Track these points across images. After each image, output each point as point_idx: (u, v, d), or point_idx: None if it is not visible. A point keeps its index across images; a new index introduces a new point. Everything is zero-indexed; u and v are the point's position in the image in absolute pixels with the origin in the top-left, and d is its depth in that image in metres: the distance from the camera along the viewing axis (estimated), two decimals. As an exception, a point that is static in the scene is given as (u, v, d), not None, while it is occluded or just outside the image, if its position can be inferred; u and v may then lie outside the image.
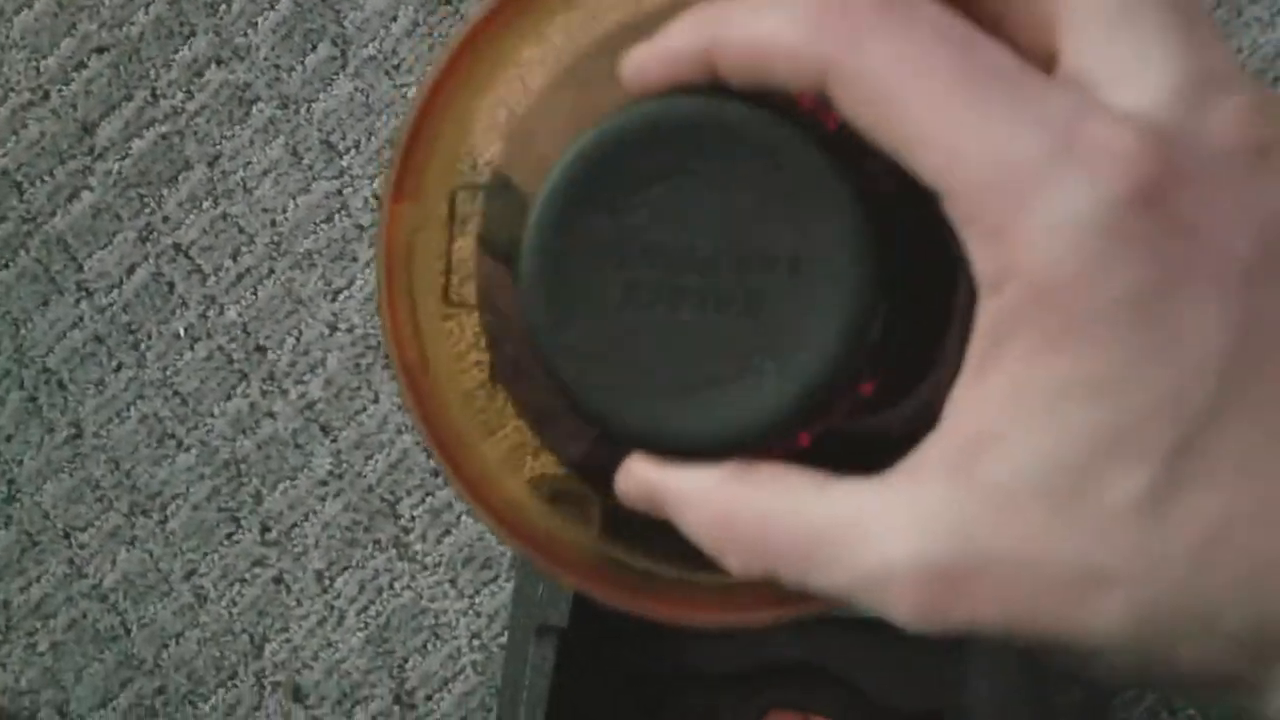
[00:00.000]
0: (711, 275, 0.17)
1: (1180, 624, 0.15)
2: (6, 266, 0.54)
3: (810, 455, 0.18)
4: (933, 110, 0.15)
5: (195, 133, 0.53)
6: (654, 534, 0.19)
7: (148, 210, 0.53)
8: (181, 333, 0.52)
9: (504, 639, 0.48)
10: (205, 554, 0.51)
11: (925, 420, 0.17)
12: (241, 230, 0.52)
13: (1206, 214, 0.15)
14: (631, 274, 0.18)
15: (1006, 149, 0.15)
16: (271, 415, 0.51)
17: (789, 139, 0.17)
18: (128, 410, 0.52)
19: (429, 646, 0.49)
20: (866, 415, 0.19)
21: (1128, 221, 0.15)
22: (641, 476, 0.19)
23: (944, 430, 0.17)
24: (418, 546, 0.49)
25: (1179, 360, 0.15)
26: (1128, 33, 0.15)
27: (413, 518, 0.49)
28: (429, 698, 0.49)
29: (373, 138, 0.51)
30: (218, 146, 0.53)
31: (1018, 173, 0.15)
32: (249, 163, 0.52)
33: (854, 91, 0.16)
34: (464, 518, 0.49)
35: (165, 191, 0.53)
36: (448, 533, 0.49)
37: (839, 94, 0.16)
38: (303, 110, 0.52)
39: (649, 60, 0.18)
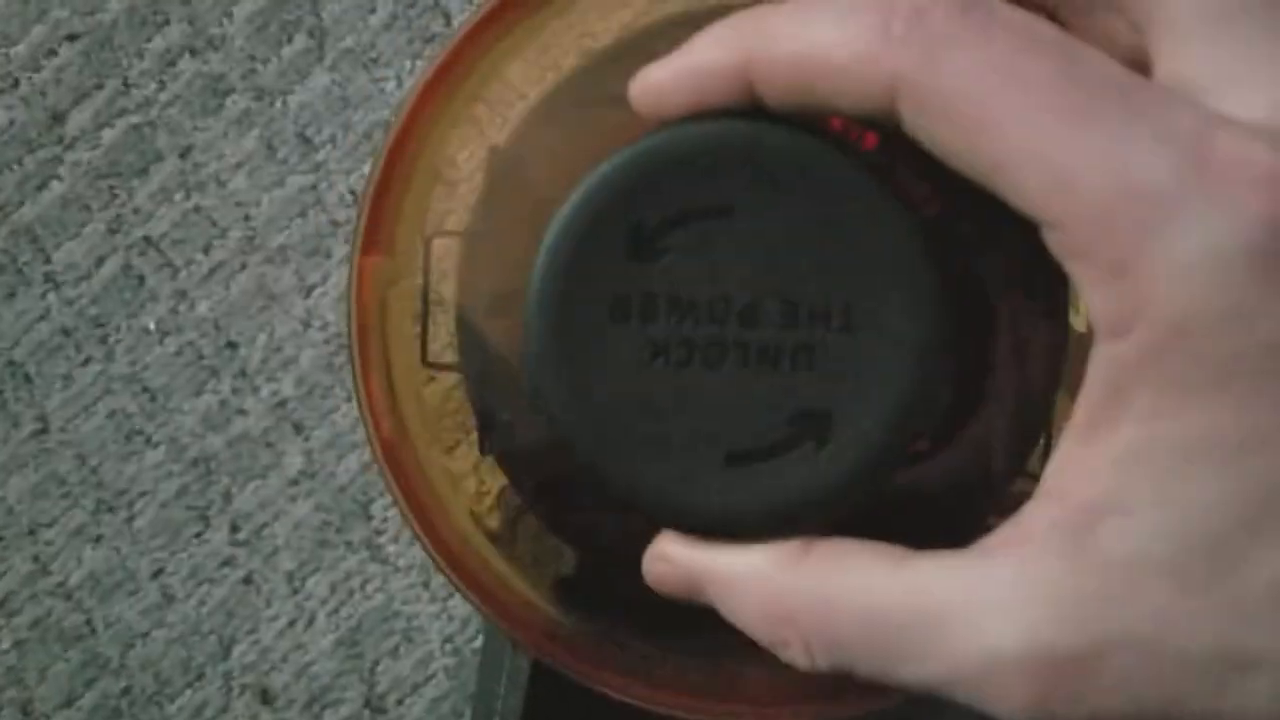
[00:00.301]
0: (752, 327, 0.15)
1: None
2: (-28, 256, 0.53)
3: (844, 523, 0.16)
4: (1034, 128, 0.13)
5: (167, 124, 0.52)
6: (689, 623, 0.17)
7: (118, 202, 0.52)
8: (151, 327, 0.51)
9: (477, 644, 0.48)
10: (173, 553, 0.50)
11: (968, 471, 0.15)
12: (214, 224, 0.51)
13: None
14: (658, 329, 0.15)
15: (1128, 171, 0.13)
16: (242, 413, 0.50)
17: (841, 169, 0.15)
18: (95, 405, 0.51)
19: (401, 650, 0.48)
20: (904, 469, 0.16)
21: (1278, 252, 0.12)
22: (678, 559, 0.16)
23: (1050, 497, 0.14)
24: (390, 549, 0.49)
25: None
26: (1232, 35, 0.13)
27: (385, 519, 0.49)
28: (400, 702, 0.48)
29: (349, 132, 0.51)
30: (190, 138, 0.52)
31: (1143, 198, 0.13)
32: (222, 155, 0.51)
33: (932, 111, 0.13)
34: (437, 520, 0.48)
35: (136, 183, 0.52)
36: (421, 535, 0.49)
37: (912, 115, 0.13)
38: (278, 103, 0.51)
39: (667, 80, 0.15)
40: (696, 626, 0.17)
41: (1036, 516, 0.15)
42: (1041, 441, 0.17)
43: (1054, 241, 0.14)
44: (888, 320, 0.14)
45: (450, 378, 0.19)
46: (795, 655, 0.15)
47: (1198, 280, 0.12)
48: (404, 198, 0.19)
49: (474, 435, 0.19)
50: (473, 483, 0.20)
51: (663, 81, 0.15)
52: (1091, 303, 0.14)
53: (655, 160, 0.15)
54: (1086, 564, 0.14)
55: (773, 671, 0.17)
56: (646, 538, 0.17)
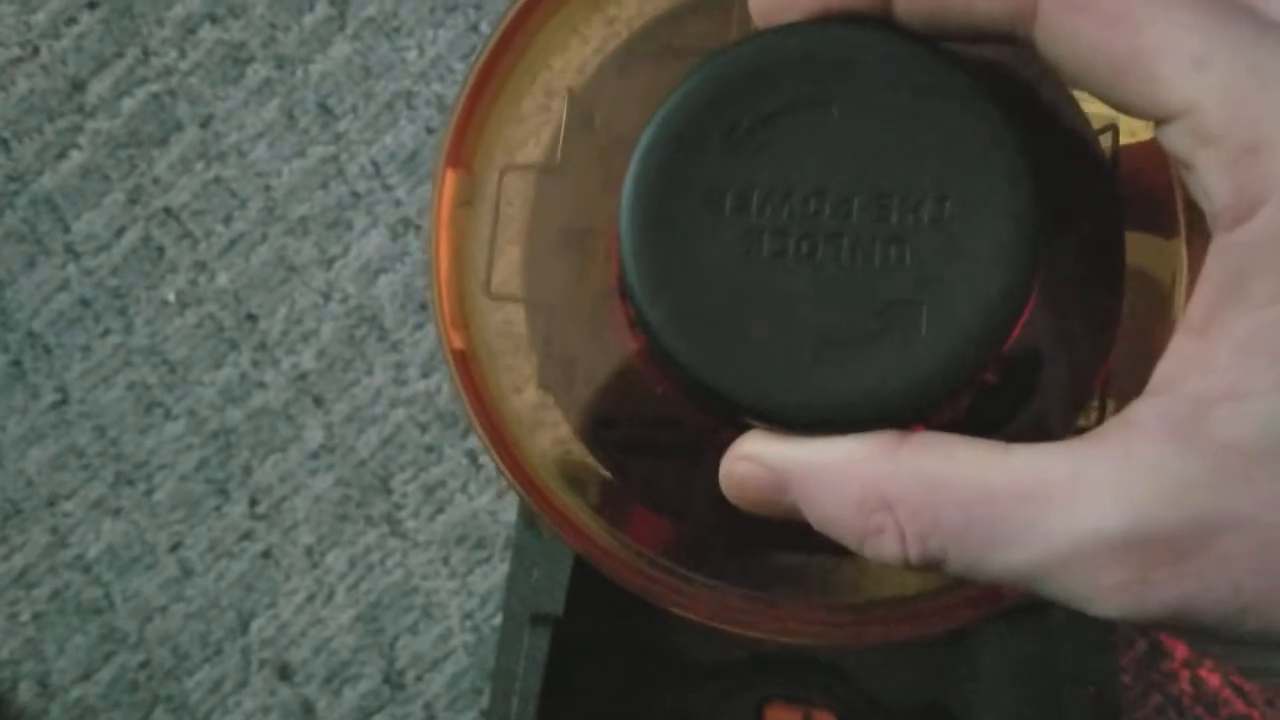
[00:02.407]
0: (845, 219, 0.15)
1: None
2: (-8, 226, 0.53)
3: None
4: (1172, 19, 0.13)
5: (188, 92, 0.52)
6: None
7: (138, 171, 0.52)
8: (171, 298, 0.51)
9: (497, 621, 0.47)
10: (192, 526, 0.50)
11: (1024, 428, 0.15)
12: (234, 194, 0.51)
13: None
14: (751, 220, 0.15)
15: (1266, 55, 0.13)
16: (262, 385, 0.50)
17: (936, 68, 0.15)
18: (114, 377, 0.51)
19: (420, 626, 0.48)
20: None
21: None
22: (764, 455, 0.16)
23: (1159, 392, 0.14)
24: (410, 524, 0.48)
25: None
26: None
27: (405, 494, 0.48)
28: (419, 678, 0.48)
29: (371, 101, 0.50)
30: (210, 107, 0.51)
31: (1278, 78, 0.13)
32: (242, 125, 0.51)
33: (1074, 5, 0.14)
34: (457, 495, 0.48)
35: (156, 153, 0.52)
36: (441, 510, 0.48)
37: (1054, 10, 0.14)
38: (299, 72, 0.51)
39: (767, 8, 0.15)
40: (737, 563, 0.18)
41: (1146, 408, 0.14)
42: (1096, 402, 0.17)
43: (1180, 133, 0.14)
44: (980, 217, 0.15)
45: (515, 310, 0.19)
46: (888, 543, 0.15)
47: None
48: (485, 124, 0.19)
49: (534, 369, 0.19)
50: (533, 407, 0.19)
51: None
52: (1215, 191, 0.14)
53: (754, 58, 0.15)
54: (1197, 448, 0.14)
55: (807, 603, 0.18)
56: (701, 477, 0.17)
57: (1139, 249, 0.16)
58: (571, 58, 0.19)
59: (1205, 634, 0.14)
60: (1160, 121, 0.14)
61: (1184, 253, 0.16)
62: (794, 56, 0.15)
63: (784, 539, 0.17)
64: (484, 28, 0.49)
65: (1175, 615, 0.14)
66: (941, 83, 0.15)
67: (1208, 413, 0.14)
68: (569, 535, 0.19)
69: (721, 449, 0.17)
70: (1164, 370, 0.14)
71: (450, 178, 0.19)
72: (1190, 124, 0.14)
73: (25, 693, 0.51)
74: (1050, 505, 0.14)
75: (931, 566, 0.15)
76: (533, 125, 0.19)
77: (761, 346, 0.15)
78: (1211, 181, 0.14)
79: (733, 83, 0.15)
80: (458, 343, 0.19)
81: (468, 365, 0.19)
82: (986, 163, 0.15)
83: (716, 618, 0.19)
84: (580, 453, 0.19)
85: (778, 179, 0.15)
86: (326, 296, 0.49)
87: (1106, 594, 0.14)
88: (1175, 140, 0.14)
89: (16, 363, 0.52)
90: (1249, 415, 0.13)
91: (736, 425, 0.17)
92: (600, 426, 0.19)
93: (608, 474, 0.19)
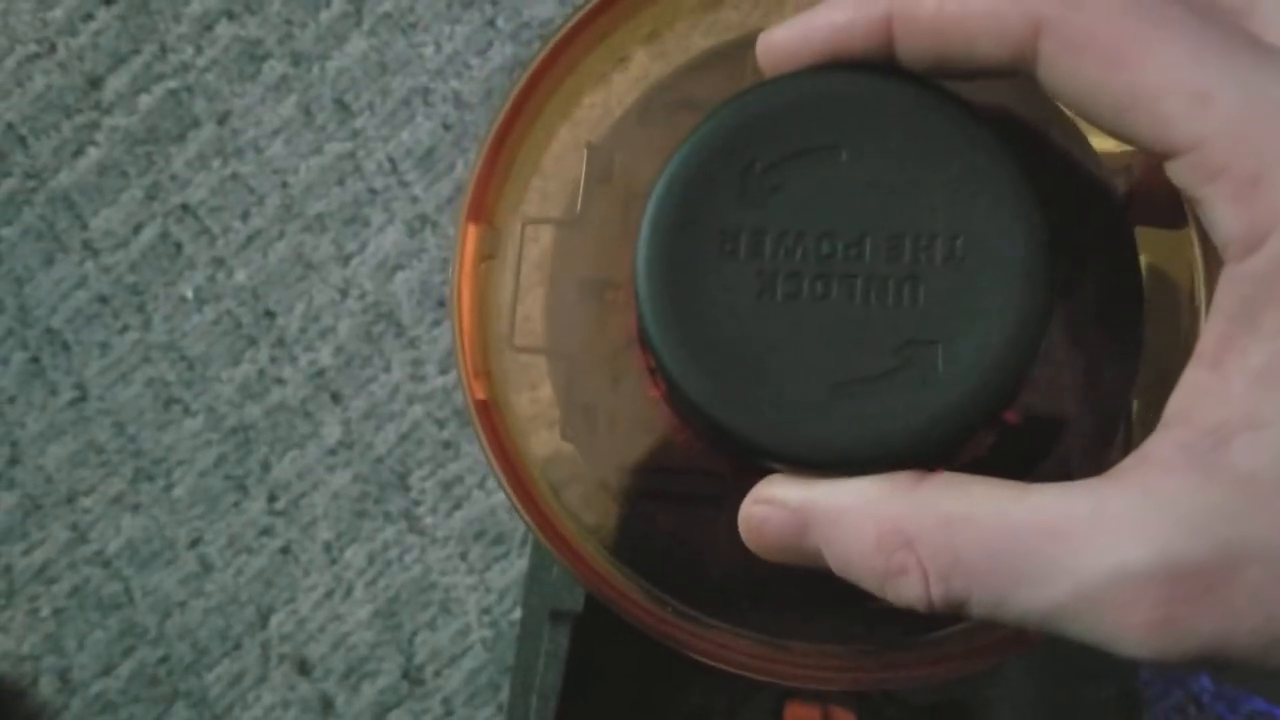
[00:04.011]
0: (858, 260, 0.15)
1: None
2: (10, 223, 0.53)
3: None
4: (1172, 57, 0.13)
5: (205, 89, 0.52)
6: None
7: (155, 168, 0.52)
8: (189, 295, 0.51)
9: (515, 616, 0.47)
10: (211, 522, 0.50)
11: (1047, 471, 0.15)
12: (251, 191, 0.51)
13: None
14: (765, 264, 0.15)
15: (1265, 90, 0.13)
16: (280, 382, 0.50)
17: (944, 110, 0.15)
18: (133, 373, 0.51)
19: (438, 621, 0.48)
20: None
21: None
22: (784, 497, 0.16)
23: (1175, 424, 0.14)
24: (428, 520, 0.48)
25: None
26: None
27: (423, 490, 0.48)
28: (438, 673, 0.48)
29: (387, 98, 0.50)
30: (227, 104, 0.51)
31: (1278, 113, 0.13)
32: (259, 121, 0.51)
33: (1075, 47, 0.14)
34: (475, 492, 0.48)
35: (173, 149, 0.52)
36: (459, 506, 0.48)
37: (1054, 53, 0.14)
38: (315, 68, 0.51)
39: (796, 37, 0.16)
40: (748, 609, 0.18)
41: (1163, 442, 0.14)
42: (1120, 438, 0.17)
43: (1186, 168, 0.14)
44: (992, 253, 0.15)
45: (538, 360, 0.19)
46: (911, 584, 0.15)
47: None
48: (506, 177, 0.19)
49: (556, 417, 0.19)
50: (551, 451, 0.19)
51: (788, 38, 0.16)
52: (1224, 223, 0.14)
53: (763, 106, 0.15)
54: (1218, 479, 0.14)
55: (816, 646, 0.18)
56: (724, 525, 0.17)
57: (1158, 281, 0.16)
58: (591, 111, 0.20)
59: (1239, 667, 0.14)
60: (1167, 156, 0.14)
61: (1202, 285, 0.16)
62: (801, 103, 0.15)
63: (804, 591, 0.17)
64: (500, 23, 0.49)
65: (1208, 650, 0.14)
66: (947, 125, 0.15)
67: (1226, 443, 0.14)
68: (586, 578, 0.19)
69: (743, 496, 0.17)
70: (1179, 402, 0.15)
71: (472, 232, 0.19)
72: (1196, 159, 0.14)
73: (46, 687, 0.51)
74: (1072, 543, 0.14)
75: (955, 608, 0.15)
76: (553, 178, 0.19)
77: (778, 389, 0.15)
78: (1219, 214, 0.14)
79: (743, 130, 0.16)
80: (480, 393, 0.19)
81: (490, 415, 0.19)
82: (995, 201, 0.15)
83: (737, 664, 0.18)
84: (602, 500, 0.19)
85: (790, 222, 0.15)
86: (344, 293, 0.49)
87: (1135, 632, 0.14)
88: (1182, 175, 0.14)
89: (35, 359, 0.52)
90: (1267, 444, 0.14)
91: (757, 471, 0.17)
92: (622, 474, 0.18)
93: (629, 521, 0.19)
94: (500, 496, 0.48)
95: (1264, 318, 0.14)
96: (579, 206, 0.19)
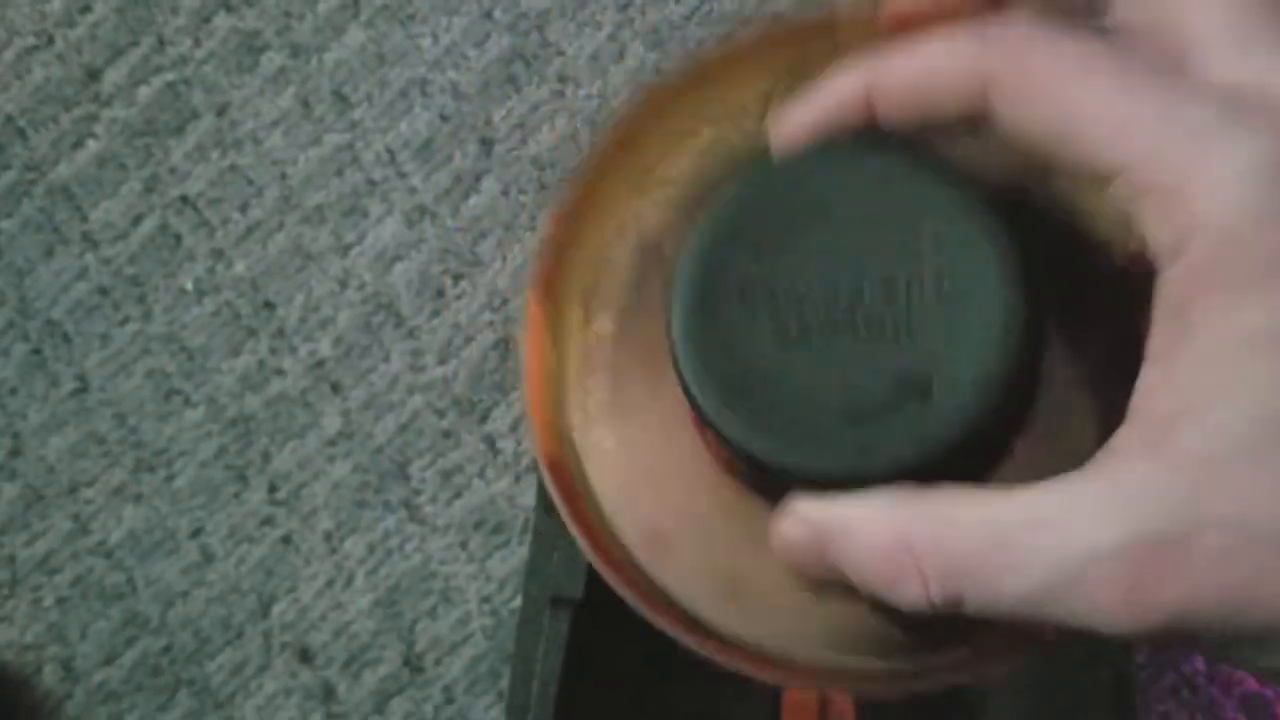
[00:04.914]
0: (859, 304, 0.17)
1: None
2: (10, 215, 0.53)
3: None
4: (1101, 97, 0.16)
5: (203, 81, 0.52)
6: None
7: (154, 160, 0.52)
8: (188, 287, 0.51)
9: (515, 604, 0.48)
10: (212, 512, 0.50)
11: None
12: (250, 182, 0.51)
13: None
14: (780, 313, 0.18)
15: (1180, 115, 0.16)
16: (280, 373, 0.50)
17: (923, 171, 0.17)
18: (133, 365, 0.52)
19: (439, 610, 0.48)
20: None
21: None
22: (807, 512, 0.18)
23: (1133, 418, 0.16)
24: (428, 509, 0.49)
25: None
26: (1261, 39, 0.16)
27: (423, 480, 0.49)
28: (438, 662, 0.48)
29: (385, 89, 0.50)
30: (226, 95, 0.52)
31: (1192, 133, 0.15)
32: (258, 113, 0.51)
33: (1020, 97, 0.17)
34: (475, 480, 0.48)
35: (172, 141, 0.52)
36: (459, 495, 0.48)
37: (1003, 103, 0.17)
38: (313, 60, 0.51)
39: (803, 114, 0.18)
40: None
41: (1124, 436, 0.17)
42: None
43: (1121, 189, 0.16)
44: (976, 288, 0.17)
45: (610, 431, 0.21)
46: (912, 586, 0.17)
47: (1240, 191, 0.15)
48: (572, 261, 0.21)
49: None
50: None
51: (797, 116, 0.19)
52: (1155, 233, 0.16)
53: (770, 179, 0.19)
54: (1171, 463, 0.16)
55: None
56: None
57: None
58: (648, 201, 0.21)
59: (1207, 636, 0.16)
60: (1105, 182, 0.17)
61: None
62: (798, 176, 0.18)
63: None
64: (497, 14, 0.49)
65: (1175, 619, 0.16)
66: (924, 181, 0.18)
67: (1176, 431, 0.16)
68: (654, 612, 0.21)
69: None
70: (1137, 400, 0.17)
71: (537, 313, 0.21)
72: (1126, 180, 0.16)
73: (49, 677, 0.52)
74: (1049, 533, 0.16)
75: (953, 606, 0.17)
76: (612, 260, 0.22)
77: (797, 419, 0.18)
78: (1149, 228, 0.16)
79: (753, 203, 0.18)
80: (551, 457, 0.21)
81: (563, 475, 0.21)
82: (973, 240, 0.17)
83: (786, 679, 0.21)
84: (662, 544, 0.21)
85: (798, 276, 0.18)
86: (343, 284, 0.50)
87: (1110, 606, 0.16)
88: (1118, 197, 0.16)
89: (36, 351, 0.52)
90: (1208, 427, 0.16)
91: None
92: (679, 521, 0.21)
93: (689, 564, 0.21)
94: (501, 485, 0.48)
95: (1193, 316, 0.16)
96: (636, 284, 0.21)
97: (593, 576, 0.35)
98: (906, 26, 0.18)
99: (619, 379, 0.21)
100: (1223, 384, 0.15)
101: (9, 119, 0.54)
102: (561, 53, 0.49)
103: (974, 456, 0.17)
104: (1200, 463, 0.16)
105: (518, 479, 0.48)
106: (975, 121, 0.17)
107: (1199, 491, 0.15)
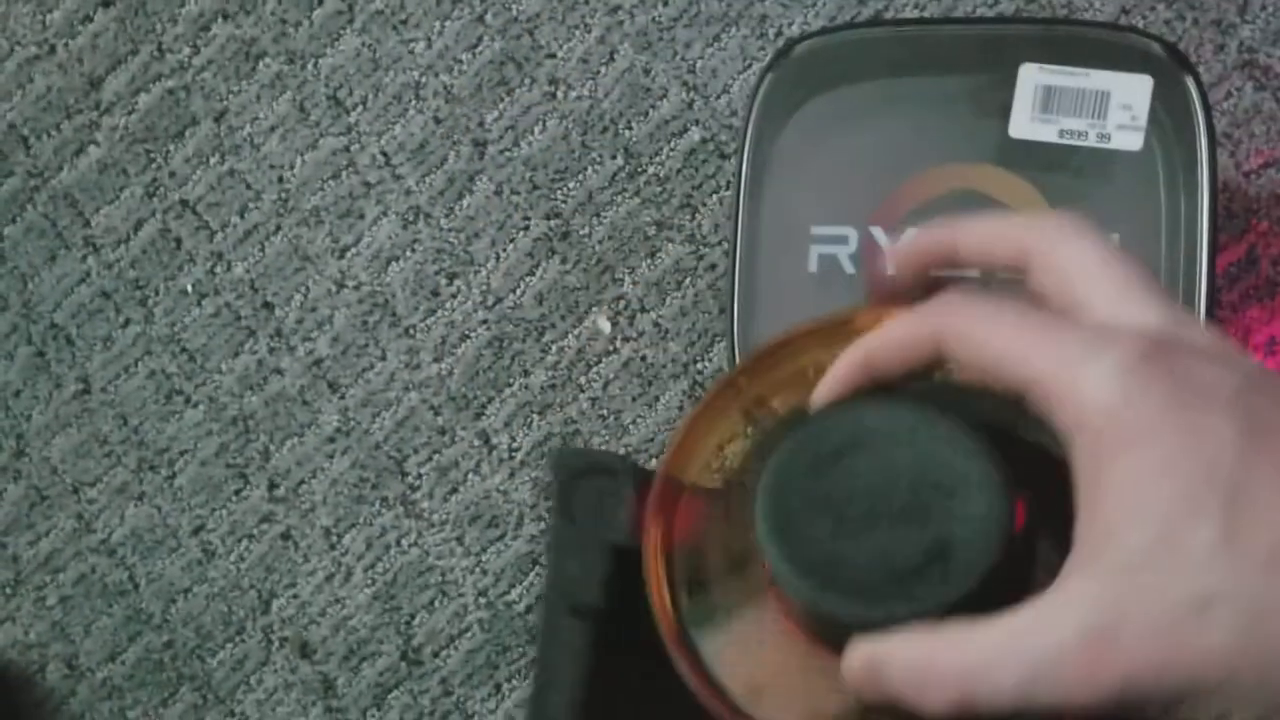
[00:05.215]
0: (891, 502, 0.25)
1: (1270, 622, 0.21)
2: (14, 221, 0.54)
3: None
4: (1008, 336, 0.24)
5: (202, 88, 0.53)
6: None
7: (154, 166, 0.53)
8: (189, 289, 0.52)
9: (511, 597, 0.48)
10: (213, 510, 0.51)
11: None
12: (248, 186, 0.52)
13: (1198, 367, 0.23)
14: (835, 515, 0.25)
15: (1062, 338, 0.23)
16: (279, 372, 0.51)
17: (930, 412, 0.25)
18: (135, 366, 0.52)
19: (436, 603, 0.49)
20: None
21: (1146, 367, 0.22)
22: (862, 650, 0.24)
23: (1076, 548, 0.23)
24: (425, 504, 0.49)
25: (1206, 443, 0.22)
26: (1125, 295, 0.24)
27: (420, 475, 0.49)
28: (436, 654, 0.49)
29: (380, 93, 0.51)
30: (224, 102, 0.52)
31: (1072, 351, 0.23)
32: (256, 118, 0.52)
33: (958, 343, 0.24)
34: (470, 476, 0.49)
35: (172, 147, 0.53)
36: (455, 490, 0.49)
37: (951, 347, 0.25)
38: (310, 66, 0.52)
39: (829, 381, 0.26)
40: None
41: (1070, 562, 0.23)
42: None
43: (1034, 397, 0.23)
44: (971, 488, 0.25)
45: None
46: (936, 693, 0.23)
47: (1109, 385, 0.22)
48: (675, 491, 0.28)
49: None
50: None
51: (828, 383, 0.27)
52: (1062, 422, 0.23)
53: (820, 427, 0.26)
54: (1103, 576, 0.22)
55: None
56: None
57: None
58: (733, 447, 0.29)
59: (1153, 699, 0.21)
60: (1025, 394, 0.24)
61: None
62: (838, 421, 0.26)
63: None
64: (489, 18, 0.50)
65: (1124, 686, 0.21)
66: (928, 418, 0.25)
67: (1100, 554, 0.22)
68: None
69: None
70: (1077, 534, 0.23)
71: (655, 535, 0.28)
72: (1035, 392, 0.23)
73: (53, 674, 0.52)
74: (1029, 638, 0.22)
75: (970, 706, 0.23)
76: (703, 493, 0.29)
77: (853, 583, 0.25)
78: (1057, 419, 0.23)
79: (810, 441, 0.26)
80: (672, 634, 0.27)
81: (683, 647, 0.27)
82: (966, 457, 0.25)
83: None
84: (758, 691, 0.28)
85: (846, 488, 0.25)
86: (340, 284, 0.51)
87: (1075, 683, 0.22)
88: (1034, 403, 0.24)
89: (40, 354, 0.53)
90: (1122, 546, 0.22)
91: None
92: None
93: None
94: (495, 480, 0.49)
95: (1099, 474, 0.22)
96: (722, 513, 0.28)
97: (610, 587, 0.35)
98: (889, 305, 0.27)
99: (716, 575, 0.28)
100: (1127, 517, 0.22)
101: (12, 127, 0.54)
102: (552, 55, 0.49)
103: (984, 596, 0.24)
104: (1119, 575, 0.22)
105: (512, 474, 0.49)
106: (939, 362, 0.25)
107: (1125, 592, 0.22)
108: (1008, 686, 0.22)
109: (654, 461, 0.48)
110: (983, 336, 0.24)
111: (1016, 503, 0.25)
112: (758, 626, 0.28)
